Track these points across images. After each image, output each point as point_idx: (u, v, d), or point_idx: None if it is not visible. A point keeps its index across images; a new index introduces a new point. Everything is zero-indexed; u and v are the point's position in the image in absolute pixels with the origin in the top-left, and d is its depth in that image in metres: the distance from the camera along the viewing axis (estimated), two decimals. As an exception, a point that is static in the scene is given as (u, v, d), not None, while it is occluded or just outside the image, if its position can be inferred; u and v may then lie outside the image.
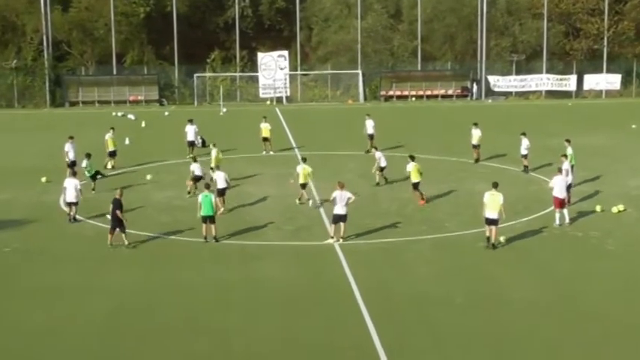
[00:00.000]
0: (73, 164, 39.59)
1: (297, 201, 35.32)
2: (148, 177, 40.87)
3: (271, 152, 47.81)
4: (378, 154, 39.21)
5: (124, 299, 23.70)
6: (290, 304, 23.20)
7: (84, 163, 37.68)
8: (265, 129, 48.13)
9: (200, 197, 29.26)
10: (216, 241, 29.23)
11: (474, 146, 44.90)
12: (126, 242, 28.68)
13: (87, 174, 37.58)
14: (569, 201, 33.62)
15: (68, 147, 40.74)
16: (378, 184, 38.86)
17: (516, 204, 34.26)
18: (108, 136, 43.85)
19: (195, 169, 37.34)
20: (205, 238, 29.21)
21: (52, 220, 32.83)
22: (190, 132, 46.85)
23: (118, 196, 28.83)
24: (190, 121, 47.42)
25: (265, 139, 48.03)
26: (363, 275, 25.40)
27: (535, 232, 30.56)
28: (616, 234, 30.22)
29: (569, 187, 33.87)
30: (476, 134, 44.78)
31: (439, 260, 27.27)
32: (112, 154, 43.76)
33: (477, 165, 43.53)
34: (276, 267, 26.59)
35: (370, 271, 26.07)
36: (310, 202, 35.25)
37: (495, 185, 28.69)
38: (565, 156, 34.96)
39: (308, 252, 28.35)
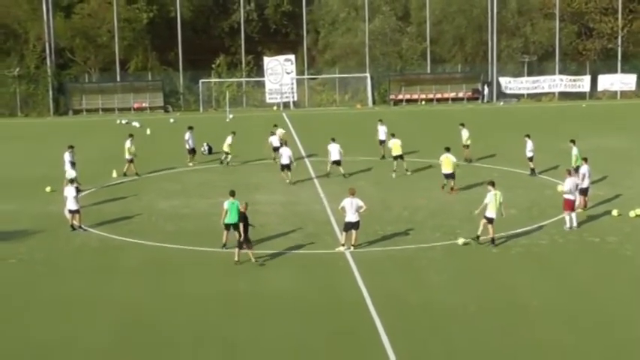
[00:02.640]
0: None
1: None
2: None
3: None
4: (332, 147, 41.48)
5: (131, 311, 23.33)
6: (300, 314, 22.77)
7: (73, 173, 37.04)
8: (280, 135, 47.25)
9: (226, 204, 28.24)
10: (240, 248, 27.32)
11: (465, 146, 45.00)
12: (252, 259, 27.20)
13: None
14: (585, 205, 33.33)
15: (68, 156, 40.28)
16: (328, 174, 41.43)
17: (531, 208, 33.93)
18: (128, 143, 43.46)
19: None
20: (225, 245, 28.53)
21: (57, 231, 32.24)
22: (190, 139, 46.49)
23: (242, 210, 27.40)
24: (190, 128, 47.00)
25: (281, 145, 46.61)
26: (375, 284, 24.95)
27: (550, 237, 29.93)
28: (634, 239, 29.42)
29: (586, 191, 33.34)
30: (464, 135, 44.84)
31: (452, 267, 26.73)
32: (130, 161, 43.41)
33: (490, 169, 42.78)
34: (285, 276, 26.11)
35: (382, 279, 25.64)
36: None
37: (493, 184, 29.02)
38: (585, 159, 34.47)
39: (318, 261, 27.83)
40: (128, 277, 26.52)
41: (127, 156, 43.16)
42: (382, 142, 46.94)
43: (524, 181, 39.59)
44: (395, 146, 41.81)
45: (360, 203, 28.25)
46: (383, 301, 23.26)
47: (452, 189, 37.13)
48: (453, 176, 37.21)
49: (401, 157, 41.84)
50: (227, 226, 28.31)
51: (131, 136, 44.45)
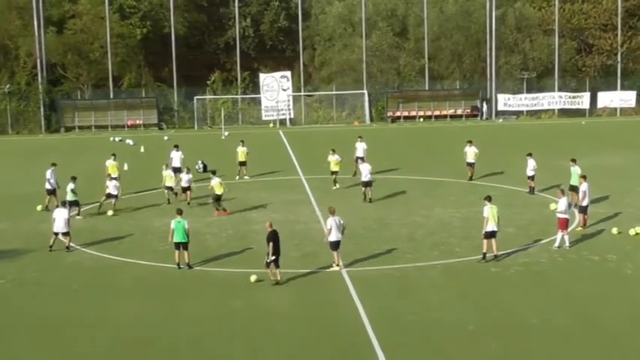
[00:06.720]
0: (52, 192, 38.96)
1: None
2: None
3: (246, 177, 46.50)
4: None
5: (125, 331, 22.96)
6: (296, 333, 22.57)
7: (71, 186, 36.40)
8: (242, 153, 46.69)
9: (173, 223, 28.48)
10: (190, 267, 28.39)
11: (469, 164, 44.34)
12: (278, 277, 26.46)
13: (72, 197, 36.24)
14: (585, 223, 33.19)
15: (49, 174, 39.49)
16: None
17: (530, 227, 33.59)
18: (109, 163, 42.38)
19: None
20: (178, 264, 28.44)
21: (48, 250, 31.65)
22: (176, 158, 44.62)
23: (268, 227, 26.62)
24: (176, 147, 45.57)
25: (242, 164, 46.72)
26: (372, 303, 24.66)
27: (550, 255, 29.46)
28: (634, 257, 28.96)
29: (585, 209, 32.96)
30: (470, 152, 44.27)
31: (450, 286, 26.42)
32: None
33: (489, 187, 41.84)
34: (282, 295, 25.77)
35: (379, 298, 25.29)
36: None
37: (490, 198, 29.19)
38: (584, 177, 34.09)
39: (315, 280, 27.28)
40: (123, 296, 26.03)
41: (114, 174, 41.65)
42: (361, 159, 43.90)
43: (523, 200, 39.12)
44: None
45: (343, 221, 28.03)
46: (380, 320, 22.94)
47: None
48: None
49: None
50: (176, 245, 28.34)
51: (114, 155, 43.36)
